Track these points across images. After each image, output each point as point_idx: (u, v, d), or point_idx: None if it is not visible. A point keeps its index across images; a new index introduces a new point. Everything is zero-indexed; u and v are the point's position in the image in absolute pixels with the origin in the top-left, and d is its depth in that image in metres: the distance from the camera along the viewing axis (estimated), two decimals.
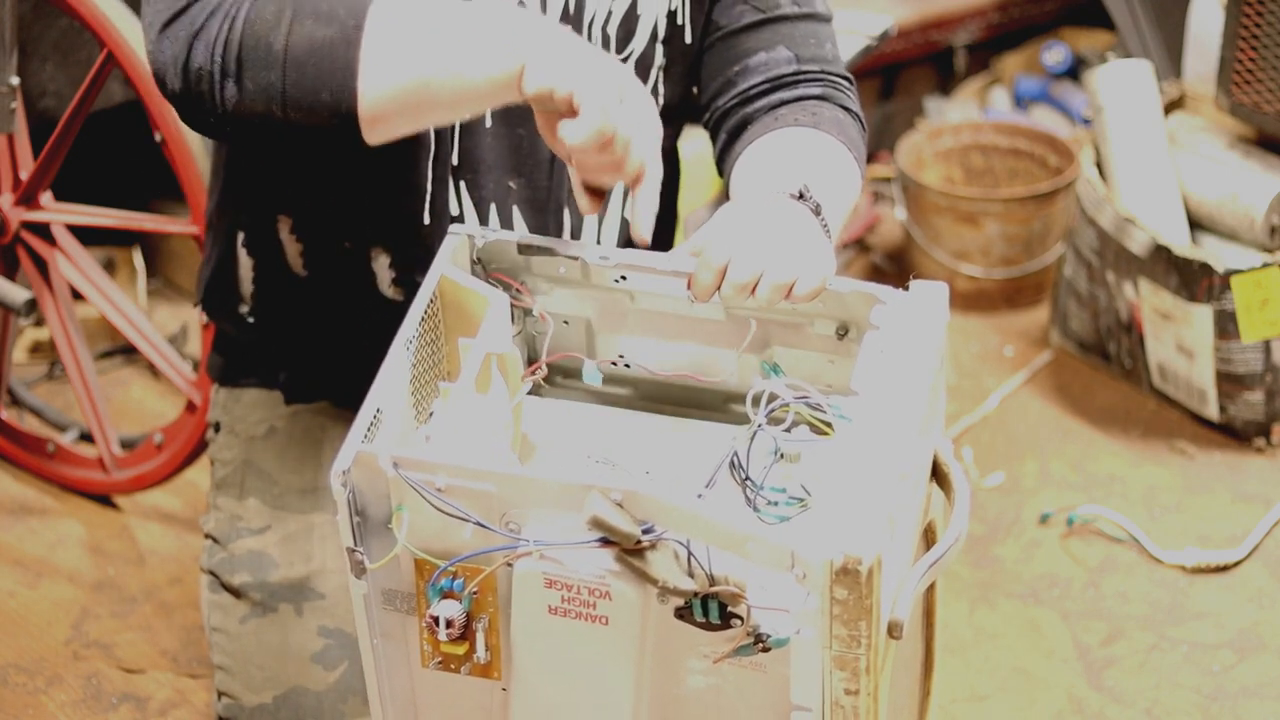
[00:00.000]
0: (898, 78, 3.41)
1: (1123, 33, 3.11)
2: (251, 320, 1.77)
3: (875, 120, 3.38)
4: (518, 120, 1.63)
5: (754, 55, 1.65)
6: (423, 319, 1.38)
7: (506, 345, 1.38)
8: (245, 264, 1.74)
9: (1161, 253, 2.51)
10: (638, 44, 1.65)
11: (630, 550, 1.20)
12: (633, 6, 1.63)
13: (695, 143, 2.14)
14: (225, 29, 1.41)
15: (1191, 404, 2.61)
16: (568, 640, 1.25)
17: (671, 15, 1.65)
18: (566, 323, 1.49)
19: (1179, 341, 2.56)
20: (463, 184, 1.64)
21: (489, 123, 1.62)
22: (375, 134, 1.43)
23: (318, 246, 1.69)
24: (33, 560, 2.36)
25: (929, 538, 1.45)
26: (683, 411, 1.50)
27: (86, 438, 2.56)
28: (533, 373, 1.46)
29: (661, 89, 1.68)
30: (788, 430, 1.38)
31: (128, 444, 2.46)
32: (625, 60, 1.65)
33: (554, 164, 1.66)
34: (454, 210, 1.64)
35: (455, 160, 1.62)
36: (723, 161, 1.66)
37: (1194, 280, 2.48)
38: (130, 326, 2.33)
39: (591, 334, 1.50)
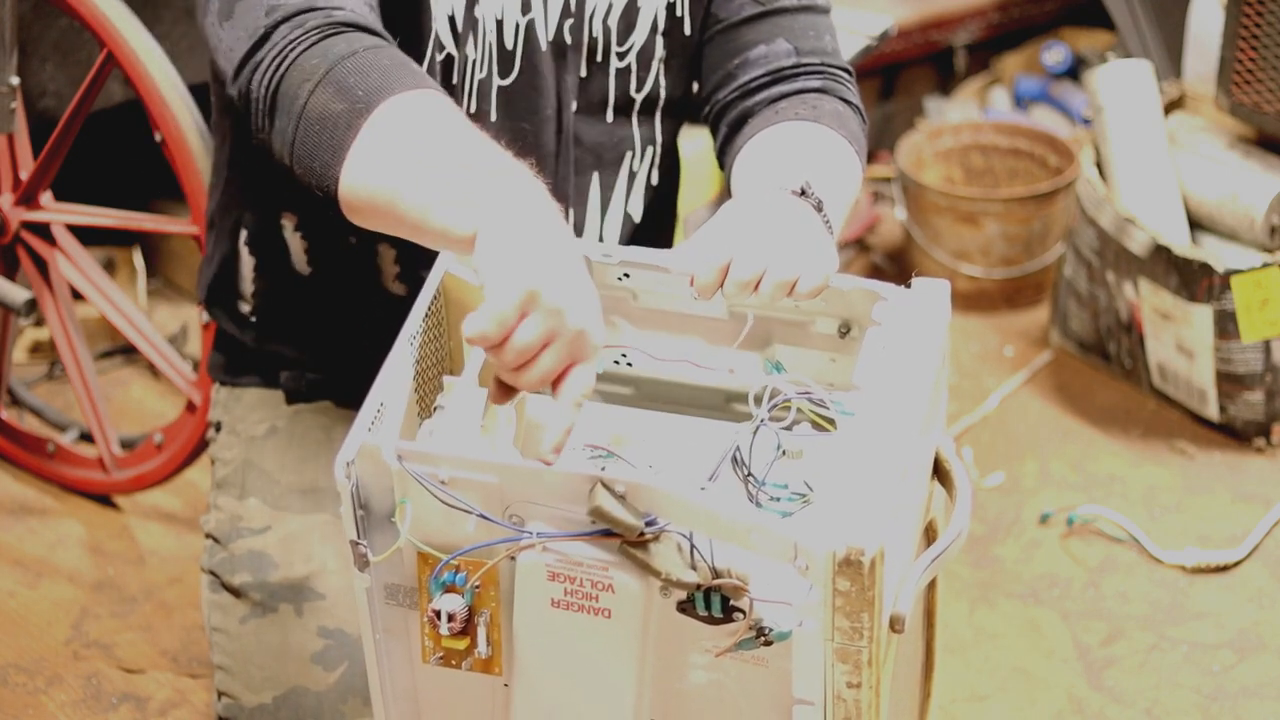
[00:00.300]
0: (898, 78, 3.41)
1: (1123, 33, 3.12)
2: (253, 319, 1.77)
3: (875, 120, 3.38)
4: (521, 114, 1.63)
5: (754, 48, 1.66)
6: (426, 315, 1.38)
7: None
8: (248, 262, 1.74)
9: (1161, 253, 2.51)
10: (638, 37, 1.65)
11: (633, 542, 1.20)
12: (633, 0, 1.64)
13: (695, 141, 2.14)
14: (275, 66, 1.40)
15: (1191, 404, 2.61)
16: (570, 634, 1.25)
17: (671, 7, 1.66)
18: None
19: (1179, 341, 2.56)
20: None
21: (494, 116, 1.62)
22: (355, 219, 1.40)
23: (323, 243, 1.69)
24: (33, 560, 2.36)
25: (930, 535, 1.45)
26: (685, 410, 1.50)
27: (86, 438, 2.56)
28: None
29: (663, 82, 1.68)
30: (788, 429, 1.38)
31: (128, 444, 2.46)
32: (625, 53, 1.65)
33: (558, 159, 1.66)
34: None
35: None
36: (723, 155, 1.67)
37: (1194, 280, 2.48)
38: (130, 326, 2.33)
39: None
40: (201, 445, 2.29)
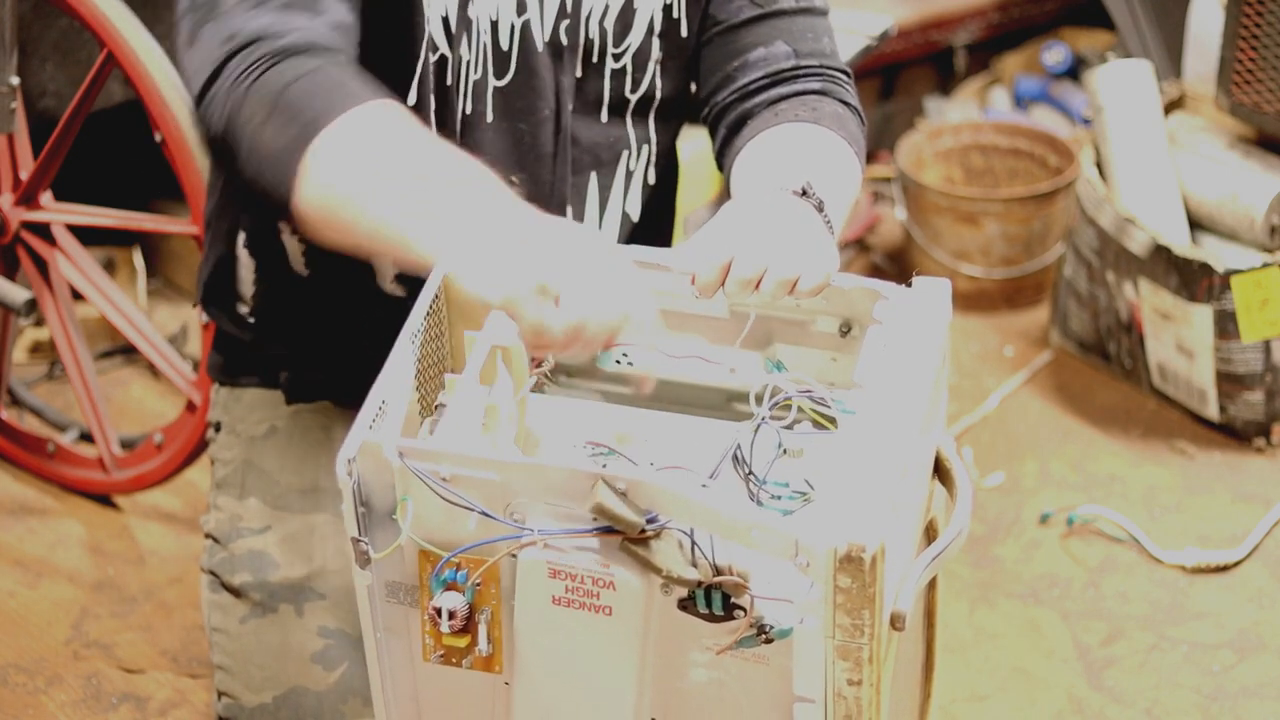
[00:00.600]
0: (898, 78, 3.42)
1: (1123, 33, 3.12)
2: (252, 320, 1.77)
3: (875, 120, 3.38)
4: (519, 115, 1.63)
5: (753, 50, 1.66)
6: (428, 314, 1.38)
7: (512, 338, 1.38)
8: (246, 264, 1.73)
9: (1161, 253, 2.51)
10: (634, 38, 1.65)
11: (634, 539, 1.20)
12: (629, 1, 1.64)
13: (695, 142, 2.14)
14: (224, 103, 1.41)
15: (1191, 404, 2.61)
16: (571, 631, 1.25)
17: (667, 9, 1.66)
18: None
19: (1179, 341, 2.56)
20: None
21: (490, 117, 1.62)
22: (316, 238, 1.41)
23: (320, 245, 1.69)
24: (33, 560, 2.36)
25: (930, 535, 1.45)
26: (686, 410, 1.51)
27: (86, 438, 2.56)
28: (538, 365, 1.47)
29: (659, 83, 1.69)
30: (789, 428, 1.38)
31: (128, 444, 2.46)
32: (621, 55, 1.65)
33: (556, 159, 1.66)
34: None
35: None
36: (722, 157, 1.67)
37: (1194, 280, 2.48)
38: (130, 326, 2.33)
39: None
40: (201, 445, 2.29)
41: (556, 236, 1.29)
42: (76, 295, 2.38)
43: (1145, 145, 2.63)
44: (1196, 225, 2.65)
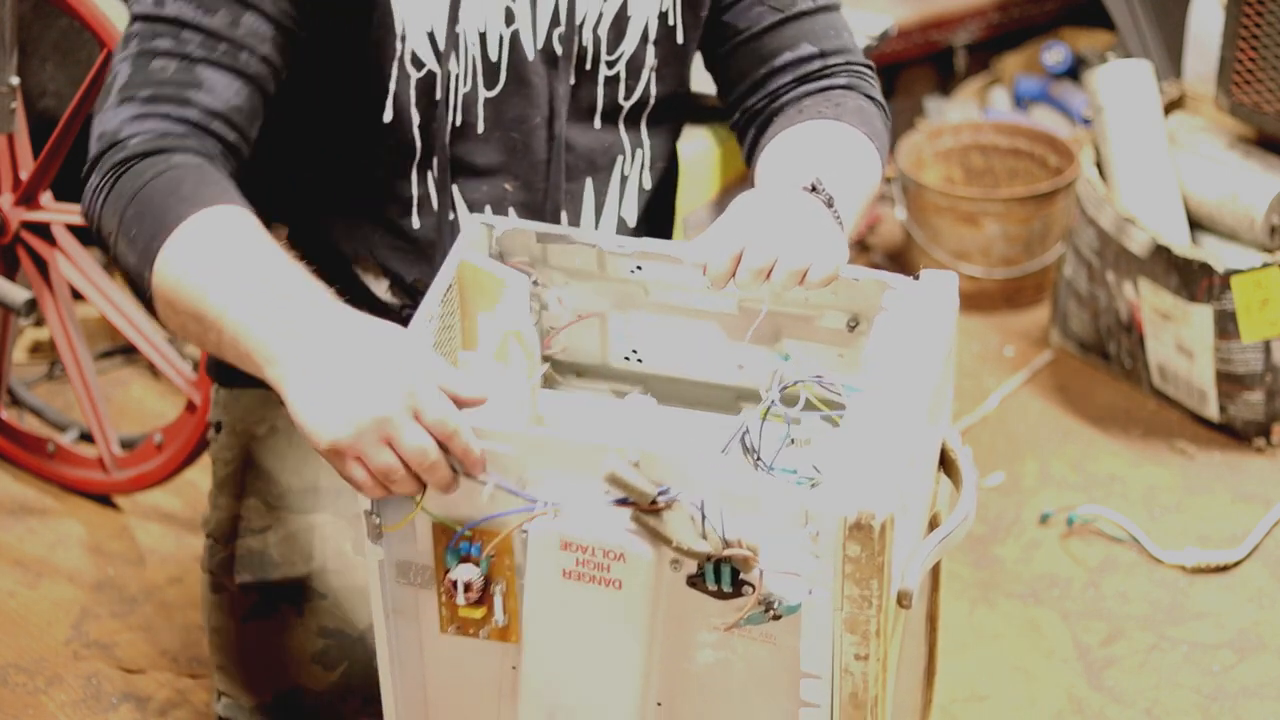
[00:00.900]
0: (898, 78, 3.42)
1: (1123, 33, 3.12)
2: None
3: None
4: (511, 124, 1.64)
5: (779, 55, 1.67)
6: (442, 301, 1.40)
7: (525, 324, 1.40)
8: None
9: (1161, 253, 2.51)
10: (628, 45, 1.65)
11: (646, 510, 1.21)
12: (623, 8, 1.64)
13: (695, 142, 2.14)
14: (85, 214, 1.49)
15: (1191, 404, 2.61)
16: (581, 606, 1.26)
17: (663, 16, 1.66)
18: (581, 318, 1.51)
19: (1179, 341, 2.56)
20: (456, 188, 1.64)
21: (481, 128, 1.63)
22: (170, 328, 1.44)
23: (314, 254, 1.69)
24: (33, 560, 2.36)
25: (934, 528, 1.45)
26: (694, 408, 1.52)
27: (86, 438, 2.56)
28: (549, 347, 1.49)
29: (653, 89, 1.69)
30: (797, 420, 1.40)
31: (128, 444, 2.46)
32: (615, 62, 1.66)
33: (549, 166, 1.66)
34: (448, 215, 1.64)
35: (449, 164, 1.63)
36: (751, 158, 1.69)
37: (1194, 280, 2.48)
38: (130, 326, 2.33)
39: (605, 329, 1.53)
40: (201, 445, 2.29)
41: (377, 357, 1.26)
42: (76, 295, 2.38)
43: (1145, 145, 2.63)
44: (1196, 225, 2.65)
